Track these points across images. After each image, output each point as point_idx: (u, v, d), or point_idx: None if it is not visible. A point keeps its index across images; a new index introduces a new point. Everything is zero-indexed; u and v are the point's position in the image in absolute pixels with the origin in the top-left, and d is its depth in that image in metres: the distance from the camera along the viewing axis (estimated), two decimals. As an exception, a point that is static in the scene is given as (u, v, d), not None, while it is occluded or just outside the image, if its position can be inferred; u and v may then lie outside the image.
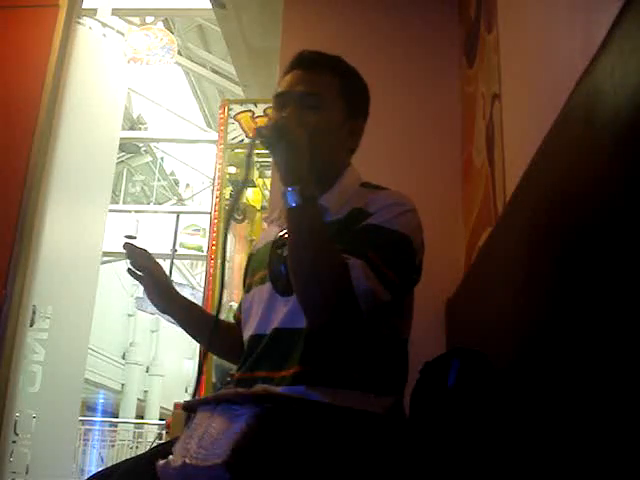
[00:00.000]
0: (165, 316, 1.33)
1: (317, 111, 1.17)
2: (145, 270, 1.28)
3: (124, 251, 1.27)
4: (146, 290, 1.31)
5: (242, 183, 1.13)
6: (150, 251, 1.31)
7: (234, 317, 1.38)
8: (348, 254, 1.04)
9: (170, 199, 12.07)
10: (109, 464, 1.17)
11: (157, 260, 1.32)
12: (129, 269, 1.28)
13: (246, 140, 4.54)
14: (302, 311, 1.06)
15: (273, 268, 1.17)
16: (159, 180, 11.26)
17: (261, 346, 1.14)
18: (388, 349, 1.14)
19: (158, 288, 1.29)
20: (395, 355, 1.15)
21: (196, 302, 1.42)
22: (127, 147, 9.50)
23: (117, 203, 9.97)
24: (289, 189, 1.04)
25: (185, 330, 1.35)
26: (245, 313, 1.24)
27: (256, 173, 5.43)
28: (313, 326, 1.06)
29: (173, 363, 13.47)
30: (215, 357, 4.20)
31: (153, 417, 11.85)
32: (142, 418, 11.56)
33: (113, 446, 9.31)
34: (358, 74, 1.29)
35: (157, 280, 1.29)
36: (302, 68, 1.22)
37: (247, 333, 1.20)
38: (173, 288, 1.34)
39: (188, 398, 1.24)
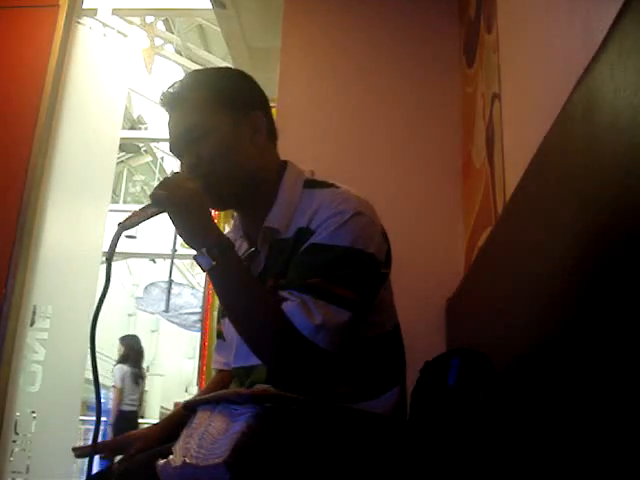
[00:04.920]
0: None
1: (205, 137, 1.11)
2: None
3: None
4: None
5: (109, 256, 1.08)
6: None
7: (217, 332, 1.34)
8: (289, 289, 1.02)
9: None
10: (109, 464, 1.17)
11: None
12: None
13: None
14: None
15: None
16: (159, 180, 11.25)
17: (250, 379, 1.12)
18: (378, 347, 1.13)
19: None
20: (387, 350, 1.15)
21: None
22: (127, 147, 9.49)
23: (117, 203, 9.96)
24: (199, 253, 1.02)
25: None
26: (227, 338, 1.23)
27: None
28: (277, 374, 1.05)
29: (173, 363, 13.46)
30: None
31: (153, 417, 11.84)
32: (142, 418, 11.55)
33: (113, 446, 9.28)
34: (222, 72, 1.22)
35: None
36: (169, 109, 1.16)
37: (232, 363, 1.19)
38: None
39: (188, 398, 1.23)
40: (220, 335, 1.29)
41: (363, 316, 1.07)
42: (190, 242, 1.04)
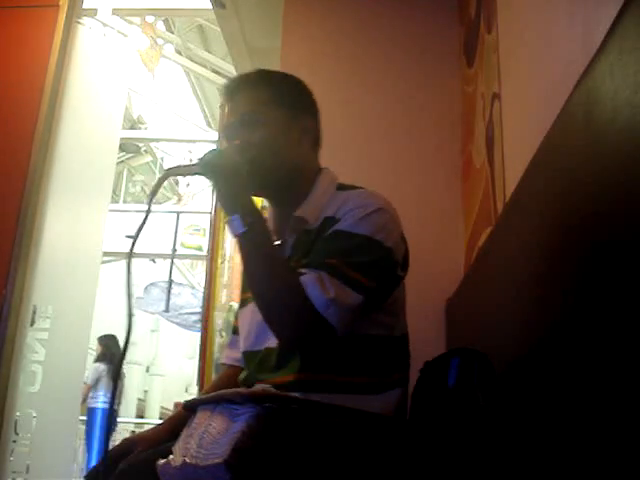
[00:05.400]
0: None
1: (259, 126, 1.19)
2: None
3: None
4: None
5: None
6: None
7: (233, 328, 1.38)
8: (308, 267, 1.05)
9: (170, 199, 12.07)
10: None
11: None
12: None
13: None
14: None
15: None
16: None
17: (257, 361, 1.16)
18: (384, 348, 1.14)
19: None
20: (392, 353, 1.15)
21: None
22: (127, 147, 9.49)
23: (117, 203, 9.96)
24: (232, 218, 1.07)
25: None
26: (242, 327, 1.26)
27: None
28: (283, 345, 1.08)
29: (173, 363, 13.46)
30: (215, 357, 4.19)
31: (153, 417, 11.84)
32: (142, 418, 11.55)
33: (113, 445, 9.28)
34: (286, 75, 1.31)
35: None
36: (230, 98, 1.25)
37: (243, 347, 1.23)
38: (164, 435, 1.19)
39: (188, 398, 1.24)
40: (235, 331, 1.32)
41: (374, 306, 1.10)
42: (226, 207, 1.09)
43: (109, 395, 6.05)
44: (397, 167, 2.43)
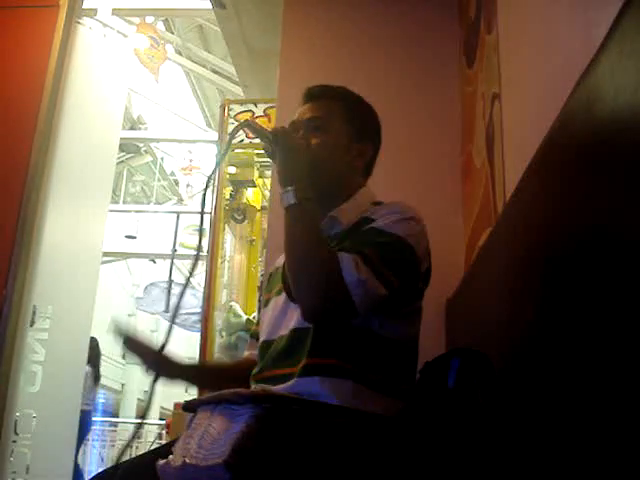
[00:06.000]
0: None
1: (323, 132, 1.26)
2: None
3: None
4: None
5: (221, 157, 1.25)
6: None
7: (252, 332, 1.43)
8: (345, 251, 1.08)
9: (170, 199, 12.07)
10: (109, 464, 1.17)
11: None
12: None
13: (246, 140, 4.55)
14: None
15: (287, 276, 1.20)
16: (159, 180, 11.26)
17: (270, 350, 1.18)
18: (395, 353, 1.15)
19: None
20: (402, 360, 1.16)
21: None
22: (127, 147, 9.50)
23: (117, 203, 9.96)
24: (285, 190, 1.12)
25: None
26: (262, 323, 1.30)
27: (256, 173, 5.43)
28: (307, 318, 1.10)
29: (173, 363, 13.45)
30: (215, 357, 4.19)
31: (153, 417, 11.84)
32: (142, 418, 11.55)
33: (113, 446, 9.33)
34: (363, 101, 1.36)
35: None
36: (309, 100, 1.31)
37: (261, 339, 1.26)
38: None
39: (188, 398, 1.25)
40: (254, 335, 1.38)
41: (393, 308, 1.13)
42: (284, 178, 1.15)
43: (89, 397, 6.10)
44: (397, 167, 2.43)
